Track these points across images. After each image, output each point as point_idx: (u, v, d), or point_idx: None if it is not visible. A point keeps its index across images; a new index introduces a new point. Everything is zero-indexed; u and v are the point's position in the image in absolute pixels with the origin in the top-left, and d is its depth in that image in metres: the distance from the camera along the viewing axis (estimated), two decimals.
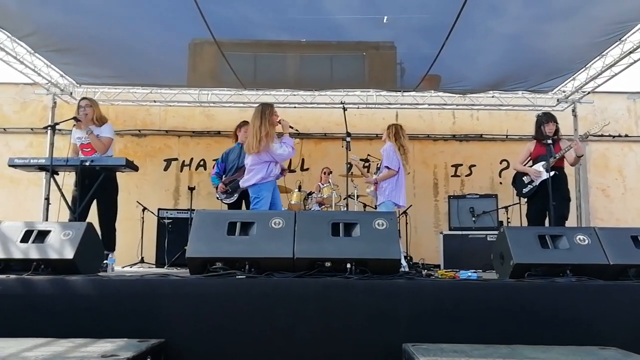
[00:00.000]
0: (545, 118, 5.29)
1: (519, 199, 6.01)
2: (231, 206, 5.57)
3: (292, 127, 4.74)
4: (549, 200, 4.82)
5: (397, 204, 5.19)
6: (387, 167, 5.16)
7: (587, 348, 2.52)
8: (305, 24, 5.64)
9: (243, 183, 4.79)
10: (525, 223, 5.70)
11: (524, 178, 5.38)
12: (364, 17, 5.48)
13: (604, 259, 3.15)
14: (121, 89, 7.58)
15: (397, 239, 3.30)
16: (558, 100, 7.68)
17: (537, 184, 5.21)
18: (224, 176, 5.64)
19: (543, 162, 5.14)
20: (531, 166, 5.33)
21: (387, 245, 3.18)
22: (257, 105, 4.78)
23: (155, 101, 7.76)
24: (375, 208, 5.54)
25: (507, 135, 8.04)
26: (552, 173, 4.97)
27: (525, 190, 5.37)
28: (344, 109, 4.93)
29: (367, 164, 7.99)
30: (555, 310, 2.79)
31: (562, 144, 5.20)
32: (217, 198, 5.67)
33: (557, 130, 5.25)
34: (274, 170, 4.70)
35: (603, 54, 6.23)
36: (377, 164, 5.48)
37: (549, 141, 4.97)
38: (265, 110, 4.61)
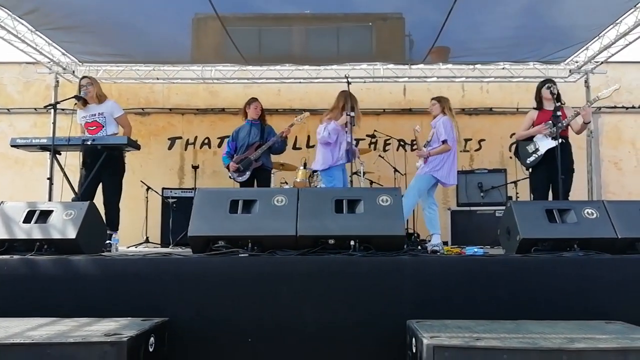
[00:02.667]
0: (542, 83, 5.17)
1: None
2: (243, 184, 5.55)
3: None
4: (554, 170, 4.63)
5: (439, 180, 5.00)
6: (445, 142, 4.93)
7: (594, 322, 2.50)
8: None
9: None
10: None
11: (528, 147, 5.13)
12: None
13: (612, 233, 3.11)
14: (124, 66, 7.48)
15: (401, 215, 3.25)
16: (570, 71, 7.48)
17: (542, 153, 4.97)
18: (235, 155, 5.61)
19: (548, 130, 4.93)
20: (533, 135, 5.10)
21: (391, 221, 3.15)
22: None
23: (158, 78, 7.66)
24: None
25: (517, 109, 7.84)
26: (560, 141, 4.69)
27: (529, 159, 5.10)
28: (348, 83, 4.82)
29: (373, 140, 7.91)
30: (561, 285, 2.77)
31: (567, 111, 4.99)
32: (230, 177, 5.66)
33: (559, 96, 4.89)
34: None
35: (617, 22, 6.02)
36: (428, 139, 5.20)
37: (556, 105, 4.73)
38: None
